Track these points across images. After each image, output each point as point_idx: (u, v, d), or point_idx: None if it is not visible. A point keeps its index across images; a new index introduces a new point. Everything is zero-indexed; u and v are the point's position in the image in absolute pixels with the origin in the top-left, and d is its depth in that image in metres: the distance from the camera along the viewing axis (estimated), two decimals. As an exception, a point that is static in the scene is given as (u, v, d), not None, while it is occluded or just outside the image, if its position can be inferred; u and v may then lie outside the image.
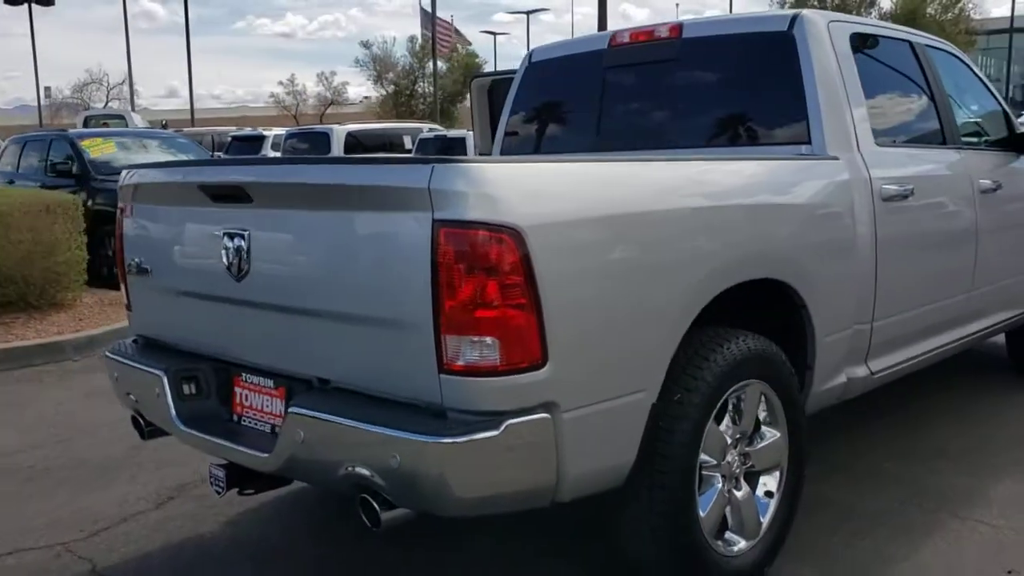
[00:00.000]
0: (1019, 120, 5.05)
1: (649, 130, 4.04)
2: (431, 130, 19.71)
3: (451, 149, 17.16)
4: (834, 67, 3.56)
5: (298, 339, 2.65)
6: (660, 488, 2.66)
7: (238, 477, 2.85)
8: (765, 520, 3.04)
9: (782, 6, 38.41)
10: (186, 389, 2.97)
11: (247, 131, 22.56)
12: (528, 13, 60.46)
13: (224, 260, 2.75)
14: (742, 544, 2.96)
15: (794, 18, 3.61)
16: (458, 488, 2.24)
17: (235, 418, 2.92)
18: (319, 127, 19.54)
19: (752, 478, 3.04)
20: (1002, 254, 4.45)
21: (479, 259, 2.20)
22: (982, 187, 4.23)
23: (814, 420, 3.38)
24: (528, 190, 2.31)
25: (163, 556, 3.41)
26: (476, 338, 2.22)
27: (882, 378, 3.74)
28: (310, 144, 18.56)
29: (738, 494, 2.96)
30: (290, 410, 2.53)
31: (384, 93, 49.09)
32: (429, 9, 35.34)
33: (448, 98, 45.60)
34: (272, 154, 19.57)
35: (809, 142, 3.49)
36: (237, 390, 2.92)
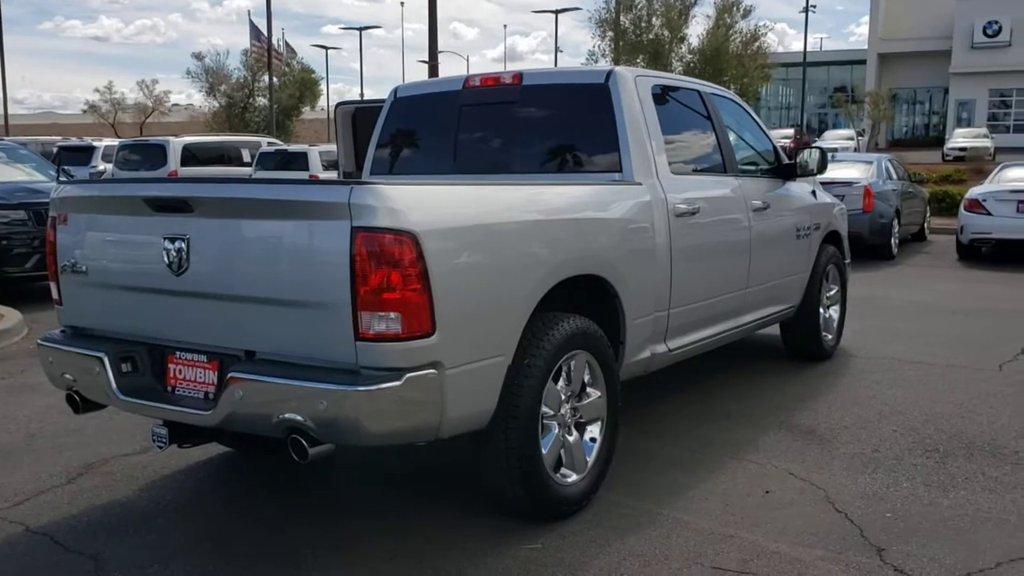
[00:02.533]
0: (813, 143, 6.28)
1: (496, 158, 4.96)
2: (271, 144, 20.04)
3: (292, 163, 17.61)
4: (639, 111, 4.60)
5: (231, 321, 3.36)
6: (513, 430, 3.54)
7: (178, 434, 3.51)
8: (591, 459, 3.98)
9: (601, 54, 40.68)
10: (124, 368, 3.60)
11: (74, 141, 22.00)
12: (360, 30, 60.87)
13: (165, 259, 3.43)
14: (574, 477, 3.88)
15: (609, 73, 4.63)
16: (371, 425, 3.04)
17: (169, 389, 3.58)
18: (154, 139, 19.42)
19: (580, 427, 3.98)
20: (769, 260, 5.66)
21: (386, 256, 3.01)
22: (754, 206, 5.41)
23: (627, 388, 4.37)
24: (421, 205, 3.14)
25: (91, 516, 3.98)
26: (383, 313, 3.02)
27: (677, 355, 4.80)
28: (143, 156, 18.50)
29: (570, 439, 3.89)
30: (232, 374, 3.23)
31: (217, 105, 48.13)
32: (258, 23, 35.29)
33: (284, 112, 45.41)
34: (103, 166, 19.29)
35: (620, 171, 4.50)
36: (171, 366, 3.58)
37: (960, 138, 36.35)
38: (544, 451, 3.70)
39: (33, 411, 5.53)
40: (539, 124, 4.89)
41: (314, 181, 3.27)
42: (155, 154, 18.18)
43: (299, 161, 17.56)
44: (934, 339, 7.57)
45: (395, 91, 5.43)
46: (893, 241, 13.43)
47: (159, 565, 3.48)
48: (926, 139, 49.84)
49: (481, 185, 3.60)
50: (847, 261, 7.10)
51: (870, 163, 13.95)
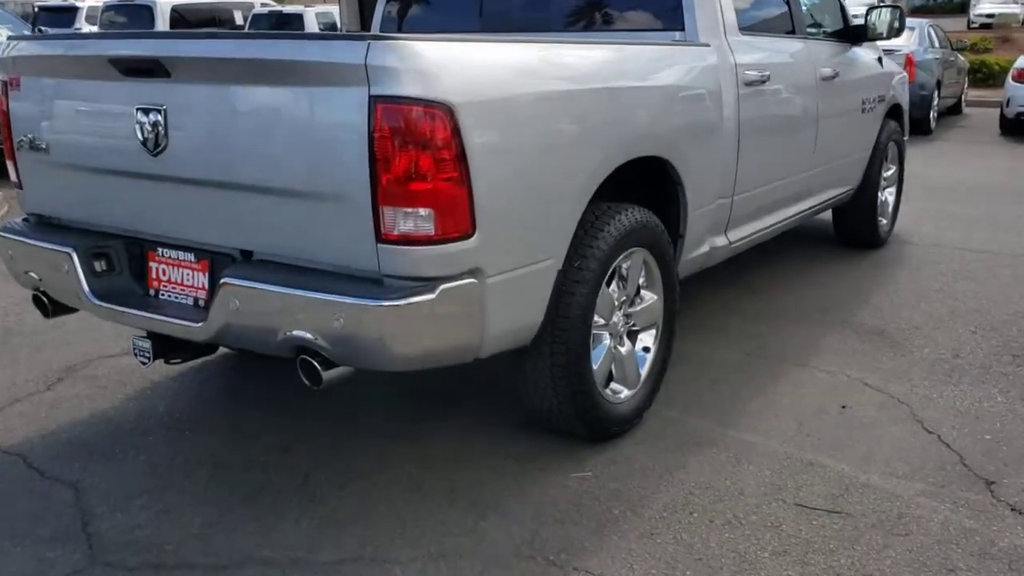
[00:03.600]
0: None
1: (531, 14, 4.22)
2: (264, 4, 18.83)
3: (287, 25, 16.56)
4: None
5: (221, 213, 2.74)
6: (561, 344, 2.98)
7: (164, 347, 2.94)
8: (644, 372, 3.44)
9: None
10: (97, 266, 3.01)
11: (55, 0, 20.67)
12: None
13: (139, 135, 2.77)
14: (625, 392, 3.35)
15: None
16: (397, 346, 2.47)
17: (152, 292, 2.99)
18: (139, 0, 18.20)
19: (632, 336, 3.42)
20: (835, 137, 4.98)
21: (414, 134, 2.36)
22: (823, 74, 4.69)
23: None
24: (457, 67, 2.47)
25: (71, 432, 3.46)
26: (411, 209, 2.40)
27: (737, 247, 4.20)
28: (129, 18, 17.39)
29: (622, 350, 3.34)
30: (225, 279, 2.64)
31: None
32: None
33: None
34: (88, 28, 18.15)
35: (683, 28, 3.78)
36: (152, 265, 2.98)
37: (987, 4, 34.48)
38: (595, 366, 3.15)
39: (9, 302, 4.97)
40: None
41: (321, 35, 2.51)
42: (141, 16, 17.04)
43: (294, 23, 16.50)
44: (993, 224, 6.94)
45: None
46: (932, 114, 12.60)
47: (149, 496, 2.99)
48: (949, 5, 47.62)
49: (527, 43, 2.90)
50: (906, 138, 6.40)
51: (912, 29, 12.95)
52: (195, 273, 2.88)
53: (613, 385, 3.31)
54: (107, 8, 18.01)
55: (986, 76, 17.50)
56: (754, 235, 4.34)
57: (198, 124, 2.69)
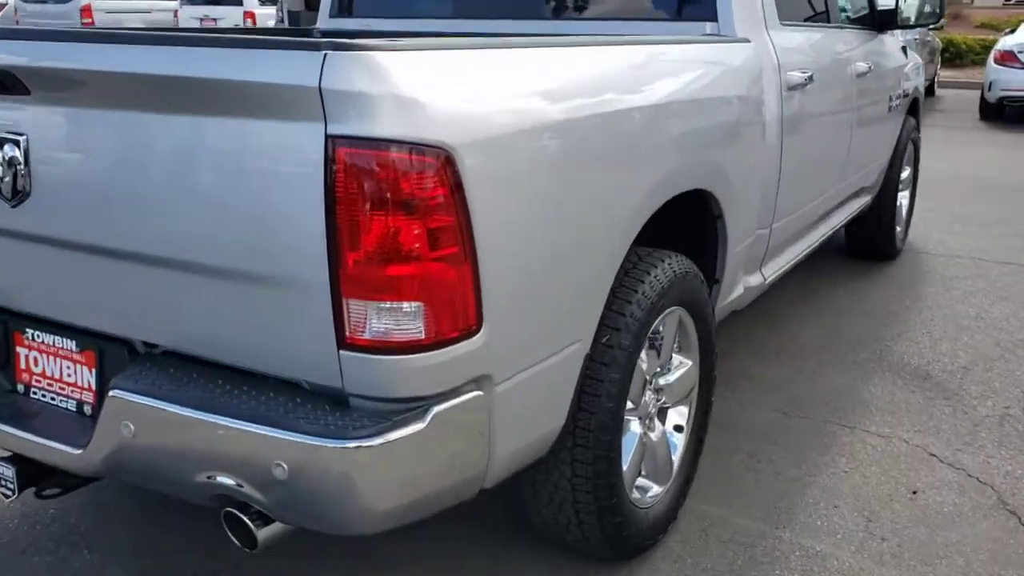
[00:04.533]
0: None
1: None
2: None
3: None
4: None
5: (113, 290, 1.91)
6: (586, 449, 2.22)
7: (35, 475, 2.10)
8: (676, 459, 2.70)
9: None
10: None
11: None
12: None
13: (-13, 176, 1.92)
14: (656, 489, 2.61)
15: None
16: (368, 502, 1.67)
17: (20, 388, 2.15)
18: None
19: (662, 413, 2.68)
20: (866, 141, 4.28)
21: (396, 191, 1.56)
22: (858, 71, 3.96)
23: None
24: (455, 91, 1.67)
25: (-75, 553, 2.61)
26: (390, 303, 1.60)
27: (770, 283, 3.47)
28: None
29: (652, 436, 2.59)
30: (114, 391, 1.82)
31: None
32: None
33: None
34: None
35: (715, 18, 3.00)
36: (20, 351, 2.14)
37: None
38: (625, 467, 2.39)
39: None
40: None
41: (255, 38, 1.65)
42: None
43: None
44: (1008, 227, 6.34)
45: None
46: (909, 98, 12.01)
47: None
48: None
49: (539, 47, 2.09)
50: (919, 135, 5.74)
51: (887, 7, 12.34)
52: (78, 368, 2.05)
53: (641, 481, 2.57)
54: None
55: (953, 56, 17.06)
56: (786, 266, 3.61)
57: (74, 164, 1.85)
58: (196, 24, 15.29)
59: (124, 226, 1.80)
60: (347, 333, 1.62)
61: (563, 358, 2.03)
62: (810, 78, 3.24)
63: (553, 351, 1.98)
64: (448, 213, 1.61)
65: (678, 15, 3.07)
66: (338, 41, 1.54)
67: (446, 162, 1.59)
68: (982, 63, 17.77)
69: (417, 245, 1.59)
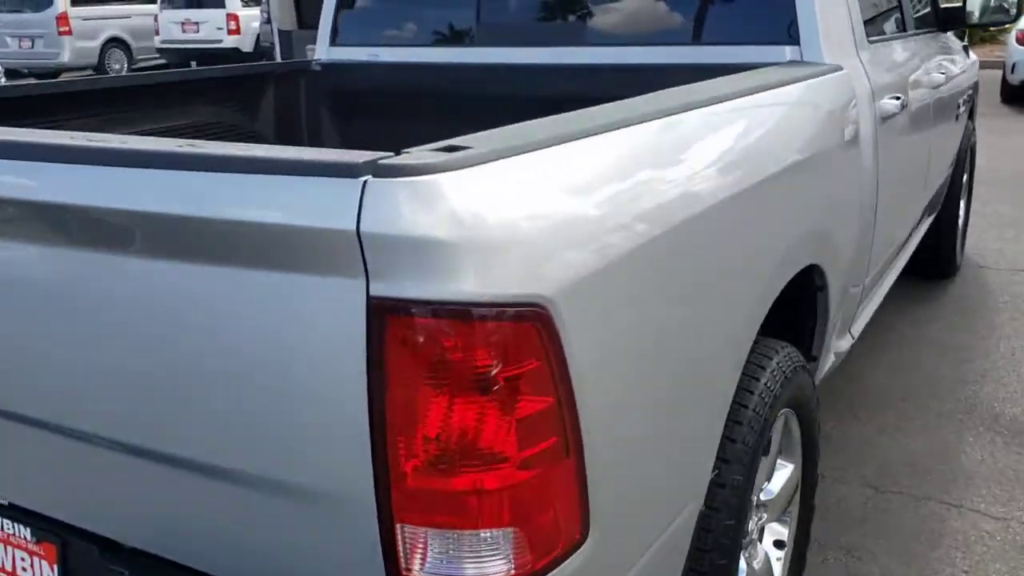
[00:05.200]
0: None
1: (555, 17, 2.89)
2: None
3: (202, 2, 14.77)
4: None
5: (79, 476, 1.42)
6: (692, 616, 1.73)
7: None
8: (779, 583, 2.23)
9: None
10: None
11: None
12: None
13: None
14: (756, 627, 2.13)
15: None
16: None
17: (-35, 578, 1.66)
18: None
19: (761, 531, 2.20)
20: (940, 159, 3.79)
21: (468, 372, 1.07)
22: (934, 82, 3.46)
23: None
24: (546, 214, 1.16)
25: None
26: (464, 531, 1.11)
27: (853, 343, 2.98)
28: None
29: (756, 564, 2.11)
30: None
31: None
32: None
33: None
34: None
35: (796, 42, 2.50)
36: (-37, 530, 1.65)
37: None
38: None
39: None
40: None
41: (260, 156, 1.10)
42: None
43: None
44: (1066, 231, 5.86)
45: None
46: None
47: None
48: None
49: (620, 128, 1.53)
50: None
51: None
52: (35, 561, 1.56)
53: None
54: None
55: (959, 34, 16.48)
56: (871, 313, 3.13)
57: (23, 317, 1.35)
58: (178, 30, 14.71)
59: (94, 407, 1.30)
60: (401, 567, 1.13)
61: (674, 529, 1.54)
62: (903, 105, 2.74)
63: (663, 528, 1.50)
64: (543, 392, 1.12)
65: (752, 38, 2.57)
66: (383, 162, 1.03)
67: (541, 323, 1.09)
68: (991, 39, 17.24)
69: (501, 445, 1.09)
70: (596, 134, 1.35)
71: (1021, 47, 10.87)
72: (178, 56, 15.12)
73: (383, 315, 1.05)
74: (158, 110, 2.75)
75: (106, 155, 1.16)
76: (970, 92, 4.48)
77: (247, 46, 14.53)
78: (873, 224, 2.63)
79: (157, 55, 15.55)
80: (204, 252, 1.13)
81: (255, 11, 14.31)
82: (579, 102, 2.71)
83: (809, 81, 2.18)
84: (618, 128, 1.41)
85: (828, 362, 2.66)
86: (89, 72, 15.51)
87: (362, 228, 1.03)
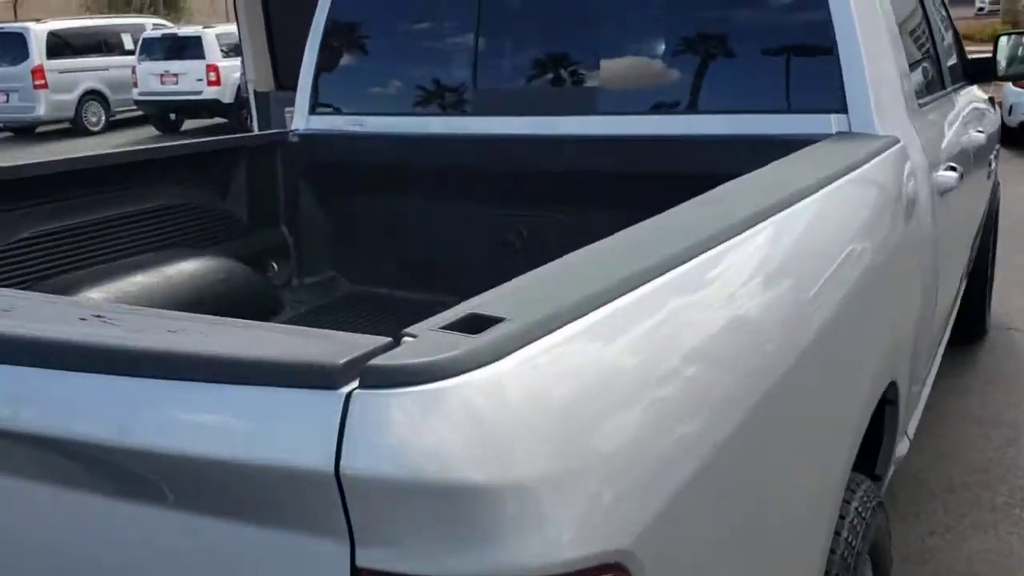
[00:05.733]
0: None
1: (563, 83, 2.56)
2: (156, 26, 16.73)
3: (184, 50, 14.54)
4: (868, -15, 2.25)
5: None
6: None
7: None
8: None
9: None
10: None
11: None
12: None
13: None
14: None
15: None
16: None
17: None
18: (9, 26, 15.97)
19: None
20: (977, 222, 3.48)
21: None
22: (976, 142, 3.16)
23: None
24: (619, 435, 0.81)
25: None
26: None
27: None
28: (1, 48, 15.14)
29: None
30: None
31: (92, -23, 42.51)
32: None
33: (172, -18, 40.15)
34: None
35: (843, 110, 2.18)
36: None
37: None
38: None
39: None
40: (653, 17, 2.49)
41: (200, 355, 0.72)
42: (13, 44, 14.85)
43: (193, 48, 14.50)
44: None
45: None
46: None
47: None
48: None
49: (683, 265, 1.16)
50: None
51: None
52: None
53: None
54: (-29, 39, 15.70)
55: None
56: (923, 407, 2.78)
57: None
58: (156, 81, 14.41)
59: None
60: None
61: None
62: (961, 176, 2.42)
63: None
64: None
65: (791, 106, 2.25)
66: (376, 363, 0.68)
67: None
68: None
69: None
70: (661, 273, 0.99)
71: (1018, 89, 10.68)
72: (157, 108, 14.82)
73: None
74: (119, 192, 2.42)
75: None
76: (997, 147, 4.19)
77: (228, 97, 14.24)
78: (934, 315, 2.30)
79: (135, 107, 15.23)
80: (123, 487, 0.77)
81: (236, 62, 14.05)
82: (595, 179, 2.37)
83: (873, 162, 1.84)
84: (683, 262, 1.05)
85: (888, 475, 2.31)
86: (66, 125, 15.20)
87: (343, 467, 0.67)
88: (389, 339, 0.73)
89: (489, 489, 0.67)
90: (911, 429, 2.56)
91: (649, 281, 0.94)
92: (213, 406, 0.72)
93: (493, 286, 0.87)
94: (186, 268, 2.46)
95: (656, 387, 0.90)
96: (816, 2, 2.20)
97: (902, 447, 2.46)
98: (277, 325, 0.76)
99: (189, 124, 15.69)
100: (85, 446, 0.75)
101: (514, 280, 0.93)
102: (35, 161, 2.27)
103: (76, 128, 15.18)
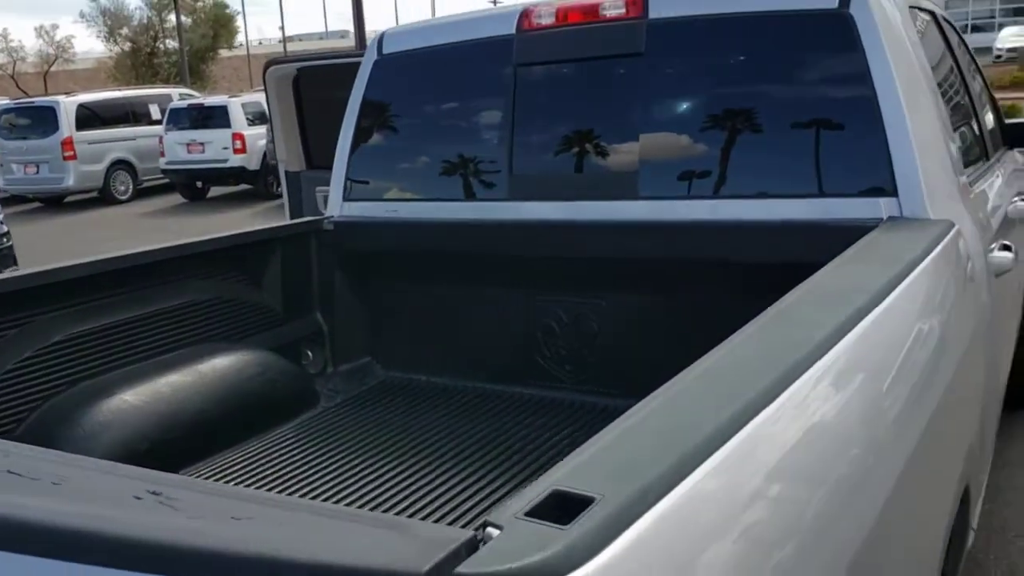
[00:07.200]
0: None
1: (600, 170, 2.52)
2: (183, 96, 17.04)
3: (210, 119, 14.77)
4: (914, 62, 2.21)
5: None
6: None
7: None
8: None
9: None
10: None
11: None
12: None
13: None
14: None
15: (846, -15, 2.20)
16: None
17: None
18: (40, 100, 16.32)
19: None
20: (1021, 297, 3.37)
21: None
22: (1021, 212, 3.08)
23: None
24: None
25: None
26: None
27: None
28: (32, 120, 15.49)
29: None
30: None
31: (120, 51, 43.68)
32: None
33: (197, 55, 41.17)
34: (-16, 134, 16.14)
35: (894, 193, 2.12)
36: None
37: (1012, 37, 31.65)
38: None
39: None
40: (686, 97, 2.46)
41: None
42: (44, 117, 15.16)
43: (219, 117, 14.71)
44: None
45: (379, 40, 2.91)
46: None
47: None
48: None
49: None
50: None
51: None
52: None
53: None
54: (5, 111, 16.05)
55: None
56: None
57: None
58: (183, 150, 14.62)
59: None
60: None
61: None
62: (1016, 256, 2.34)
63: None
64: None
65: (838, 190, 2.19)
66: (458, 569, 0.61)
67: None
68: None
69: None
70: (754, 414, 0.92)
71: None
72: (184, 176, 15.01)
73: None
74: (151, 289, 2.39)
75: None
76: (1036, 207, 4.10)
77: (253, 164, 14.41)
78: (997, 400, 2.20)
79: (162, 175, 15.45)
80: None
81: (261, 129, 14.26)
82: (633, 264, 2.31)
83: (934, 253, 1.78)
84: (772, 400, 0.98)
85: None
86: (94, 194, 15.41)
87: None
88: (472, 534, 0.67)
89: None
90: (974, 519, 2.45)
91: (735, 434, 0.87)
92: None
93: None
94: (219, 364, 2.42)
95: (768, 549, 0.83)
96: (859, 77, 2.16)
97: (968, 540, 2.35)
98: (346, 510, 0.70)
99: (215, 191, 15.89)
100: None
101: (593, 440, 0.86)
102: (66, 265, 2.25)
103: (104, 197, 15.40)
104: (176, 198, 15.69)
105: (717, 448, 0.84)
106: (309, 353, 2.84)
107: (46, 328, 2.17)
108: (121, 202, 15.55)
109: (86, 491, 0.80)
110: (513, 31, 2.57)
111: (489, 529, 0.69)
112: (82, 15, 53.16)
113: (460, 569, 0.63)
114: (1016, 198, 3.12)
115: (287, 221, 3.12)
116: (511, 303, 2.64)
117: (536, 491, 0.74)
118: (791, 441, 0.97)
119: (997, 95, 5.01)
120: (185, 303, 2.46)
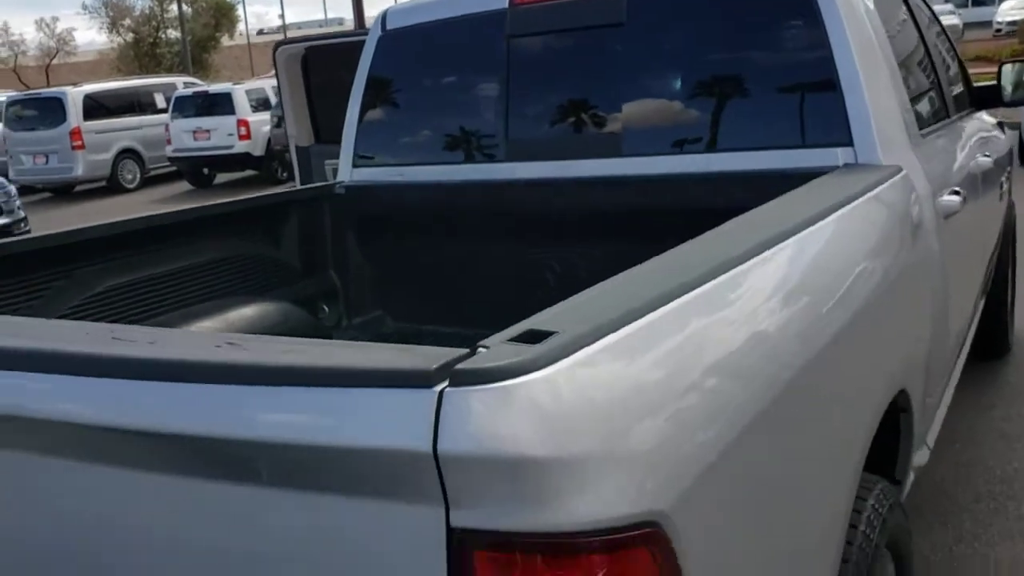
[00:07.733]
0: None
1: (588, 131, 2.77)
2: (187, 84, 17.28)
3: (215, 107, 15.02)
4: (865, 22, 2.45)
5: None
6: None
7: None
8: None
9: None
10: None
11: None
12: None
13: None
14: None
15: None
16: None
17: None
18: (48, 91, 16.58)
19: None
20: (991, 242, 3.62)
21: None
22: (983, 167, 3.32)
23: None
24: (657, 417, 1.00)
25: None
26: None
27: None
28: (39, 111, 15.75)
29: None
30: None
31: (122, 42, 43.87)
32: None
33: (199, 44, 41.34)
34: (-8, 126, 16.41)
35: (850, 143, 2.36)
36: None
37: (1012, 11, 31.40)
38: None
39: None
40: (666, 61, 2.70)
41: (309, 365, 0.93)
42: (52, 108, 15.41)
43: (223, 104, 14.96)
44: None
45: (382, 17, 3.16)
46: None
47: None
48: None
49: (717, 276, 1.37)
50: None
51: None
52: None
53: None
54: (12, 103, 16.31)
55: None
56: (942, 417, 2.92)
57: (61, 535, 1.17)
58: (189, 138, 14.87)
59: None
60: None
61: None
62: (964, 200, 2.59)
63: None
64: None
65: (800, 142, 2.43)
66: (462, 367, 0.87)
67: (657, 547, 0.91)
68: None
69: None
70: (688, 291, 1.18)
71: (1034, 110, 10.78)
72: (190, 163, 15.27)
73: (466, 550, 0.87)
74: (177, 248, 2.64)
75: (130, 367, 1.00)
76: (1009, 168, 4.34)
77: (258, 150, 14.67)
78: (945, 328, 2.45)
79: (168, 163, 15.70)
80: (251, 475, 0.96)
81: (265, 116, 14.50)
82: (620, 216, 2.56)
83: (877, 191, 2.02)
84: (708, 279, 1.24)
85: (909, 481, 2.45)
86: (102, 183, 15.67)
87: (440, 448, 0.86)
88: (467, 350, 0.92)
89: (549, 462, 0.86)
90: (931, 439, 2.70)
91: (677, 298, 1.13)
92: (335, 406, 0.91)
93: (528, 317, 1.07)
94: (247, 313, 2.67)
95: (680, 398, 1.09)
96: (818, 43, 2.40)
97: (921, 455, 2.60)
98: (375, 344, 0.94)
99: (221, 178, 16.14)
100: (232, 443, 0.95)
101: (564, 301, 1.12)
102: (106, 223, 2.50)
103: (112, 186, 15.67)
104: (183, 185, 15.94)
105: (653, 311, 1.09)
106: (325, 308, 3.09)
107: (89, 280, 2.42)
108: (129, 190, 15.82)
109: (178, 343, 1.05)
110: (506, 5, 2.81)
111: (480, 349, 0.94)
112: (84, 7, 53.41)
113: (459, 367, 0.88)
114: (980, 154, 3.36)
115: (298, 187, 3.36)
116: (510, 256, 2.88)
117: (516, 329, 1.00)
118: (714, 320, 1.22)
119: (994, 67, 5.20)
120: (212, 259, 2.72)
